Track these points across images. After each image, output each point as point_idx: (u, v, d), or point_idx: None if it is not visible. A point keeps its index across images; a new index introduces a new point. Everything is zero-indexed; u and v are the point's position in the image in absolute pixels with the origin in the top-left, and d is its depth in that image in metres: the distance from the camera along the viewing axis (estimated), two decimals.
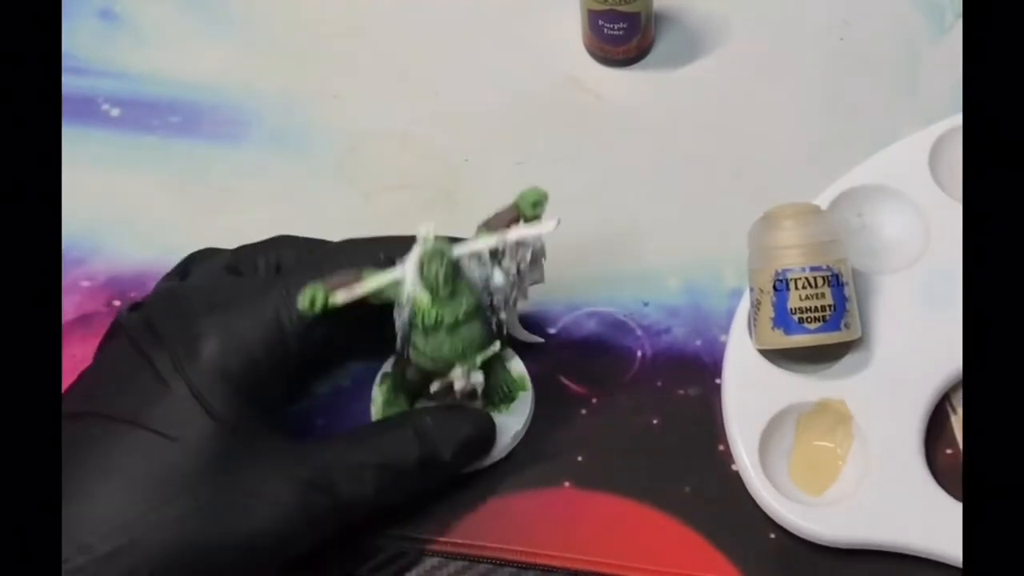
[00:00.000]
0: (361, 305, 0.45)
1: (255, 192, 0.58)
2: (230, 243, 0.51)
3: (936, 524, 0.47)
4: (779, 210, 0.51)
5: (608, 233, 0.56)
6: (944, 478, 0.49)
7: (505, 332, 0.48)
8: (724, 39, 0.62)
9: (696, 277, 0.55)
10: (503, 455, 0.50)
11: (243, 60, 0.62)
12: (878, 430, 0.49)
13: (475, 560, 0.49)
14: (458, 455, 0.48)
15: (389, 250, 0.47)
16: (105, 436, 0.42)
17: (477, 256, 0.46)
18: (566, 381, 0.53)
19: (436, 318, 0.45)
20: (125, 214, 0.58)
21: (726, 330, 0.53)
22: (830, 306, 0.49)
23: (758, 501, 0.49)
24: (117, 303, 0.55)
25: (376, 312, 0.46)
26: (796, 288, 0.49)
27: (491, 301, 0.47)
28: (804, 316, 0.49)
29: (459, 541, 0.49)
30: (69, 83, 0.61)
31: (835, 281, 0.49)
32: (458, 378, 0.47)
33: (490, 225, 0.46)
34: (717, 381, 0.52)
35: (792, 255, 0.50)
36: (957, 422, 0.51)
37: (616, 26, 0.59)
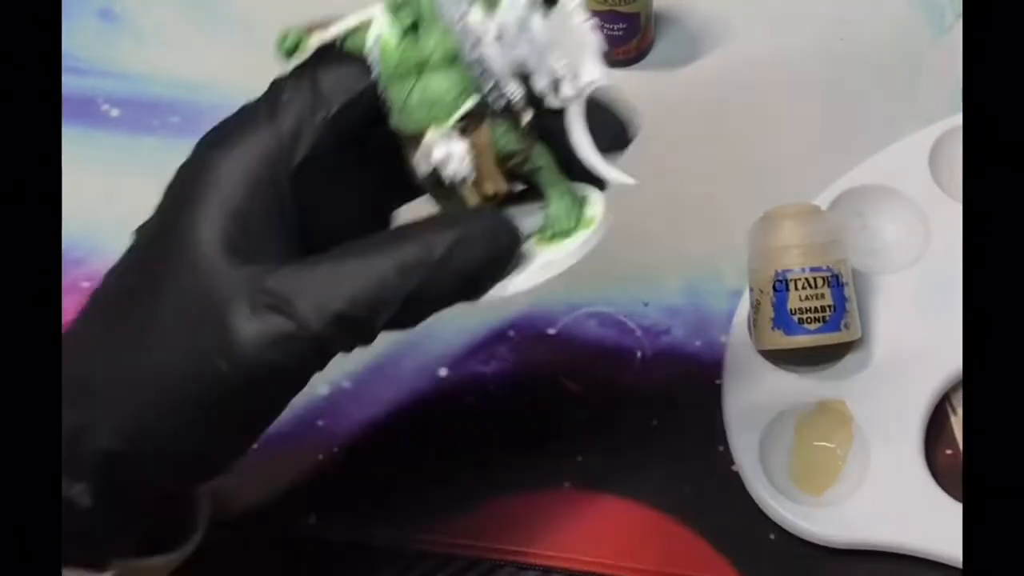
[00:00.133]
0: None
1: None
2: None
3: (936, 524, 0.47)
4: (779, 210, 0.51)
5: (608, 233, 0.56)
6: (944, 478, 0.49)
7: (526, 123, 0.39)
8: (724, 39, 0.62)
9: (696, 277, 0.55)
10: (527, 287, 0.39)
11: (243, 60, 0.62)
12: (878, 430, 0.49)
13: (475, 560, 0.49)
14: (457, 253, 0.38)
15: None
16: None
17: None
18: (566, 381, 0.53)
19: (399, 59, 0.37)
20: (125, 214, 0.58)
21: (726, 330, 0.53)
22: (830, 306, 0.49)
23: (758, 501, 0.49)
24: None
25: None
26: (796, 288, 0.49)
27: (482, 60, 0.37)
28: (804, 316, 0.49)
29: (459, 541, 0.49)
30: (69, 83, 0.61)
31: (835, 281, 0.49)
32: (435, 145, 0.37)
33: None
34: (717, 381, 0.52)
35: (792, 255, 0.50)
36: (957, 422, 0.51)
37: (616, 26, 0.59)
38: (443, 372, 0.53)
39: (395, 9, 0.37)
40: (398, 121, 0.38)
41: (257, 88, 0.40)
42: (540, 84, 0.38)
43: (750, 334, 0.51)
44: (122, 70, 0.63)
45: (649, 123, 0.60)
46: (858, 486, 0.49)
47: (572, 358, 0.53)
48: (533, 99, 0.38)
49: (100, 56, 0.63)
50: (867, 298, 0.52)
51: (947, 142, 0.55)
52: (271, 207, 0.38)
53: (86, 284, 0.56)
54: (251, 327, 0.37)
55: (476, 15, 0.37)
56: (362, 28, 0.38)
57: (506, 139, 0.38)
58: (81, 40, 0.64)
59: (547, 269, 0.39)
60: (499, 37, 0.37)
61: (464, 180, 0.38)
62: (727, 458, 0.50)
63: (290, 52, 0.39)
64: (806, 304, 0.49)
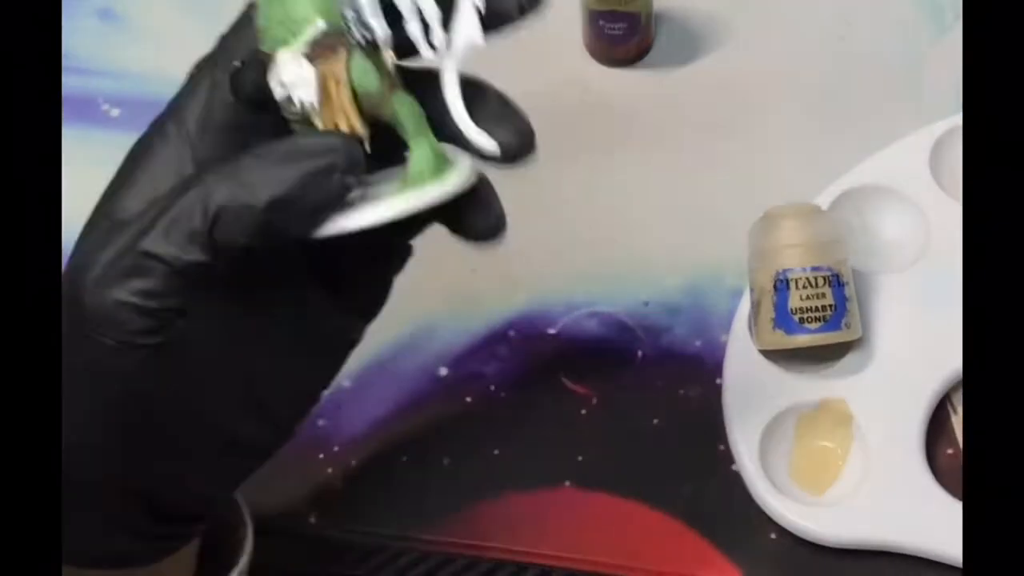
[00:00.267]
0: None
1: None
2: None
3: (936, 524, 0.47)
4: (779, 210, 0.51)
5: (608, 233, 0.56)
6: (944, 478, 0.49)
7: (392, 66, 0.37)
8: (724, 39, 0.62)
9: (696, 277, 0.55)
10: (368, 221, 0.36)
11: None
12: (878, 430, 0.49)
13: (475, 560, 0.49)
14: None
15: None
16: None
17: None
18: (566, 381, 0.53)
19: None
20: None
21: (727, 330, 0.53)
22: (830, 306, 0.49)
23: (758, 501, 0.49)
24: None
25: None
26: (797, 288, 0.49)
27: None
28: (805, 316, 0.49)
29: (459, 541, 0.49)
30: (69, 83, 0.61)
31: (835, 281, 0.49)
32: (285, 66, 0.36)
33: None
34: (718, 381, 0.52)
35: (792, 255, 0.50)
36: (957, 422, 0.51)
37: (616, 26, 0.59)
38: (443, 372, 0.53)
39: None
40: (262, 41, 0.36)
41: None
42: (410, 28, 0.36)
43: (750, 334, 0.51)
44: (122, 70, 0.63)
45: (649, 123, 0.60)
46: (858, 486, 0.49)
47: (572, 358, 0.53)
48: (403, 46, 0.37)
49: (100, 56, 0.63)
50: (867, 298, 0.52)
51: (947, 142, 0.55)
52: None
53: None
54: (103, 294, 0.36)
55: None
56: None
57: (364, 77, 0.36)
58: (81, 40, 0.64)
59: (392, 208, 0.36)
60: None
61: (313, 107, 0.36)
62: (727, 458, 0.50)
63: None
64: (807, 304, 0.49)
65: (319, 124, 0.36)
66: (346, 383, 0.52)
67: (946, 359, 0.50)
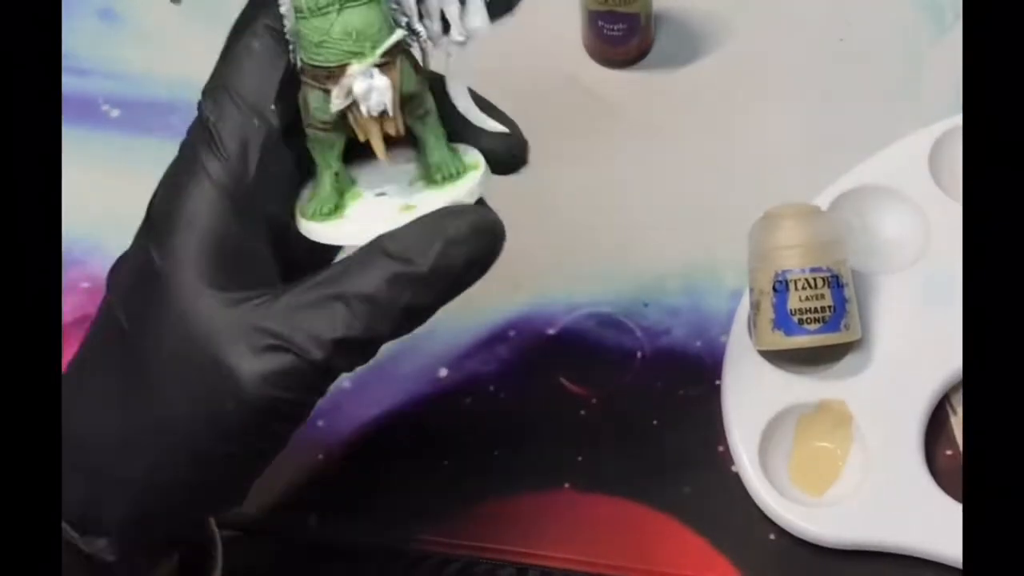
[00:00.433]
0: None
1: None
2: None
3: (936, 525, 0.47)
4: (779, 210, 0.51)
5: (608, 233, 0.56)
6: (944, 478, 0.49)
7: (425, 63, 0.39)
8: (724, 39, 0.62)
9: (696, 277, 0.55)
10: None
11: None
12: (878, 431, 0.49)
13: (475, 560, 0.49)
14: (442, 260, 0.37)
15: None
16: None
17: None
18: (566, 381, 0.53)
19: None
20: (125, 214, 0.58)
21: (726, 331, 0.53)
22: (830, 307, 0.49)
23: (758, 501, 0.49)
24: None
25: None
26: (796, 289, 0.49)
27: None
28: (804, 317, 0.49)
29: (459, 541, 0.49)
30: (69, 83, 0.61)
31: (835, 282, 0.49)
32: (357, 79, 0.37)
33: None
34: (717, 382, 0.52)
35: (792, 256, 0.50)
36: (957, 422, 0.51)
37: (616, 27, 0.59)
38: (443, 372, 0.53)
39: None
40: (314, 56, 0.38)
41: None
42: (432, 26, 0.38)
43: (750, 334, 0.51)
44: (122, 70, 0.63)
45: (649, 123, 0.60)
46: (858, 486, 0.49)
47: (572, 358, 0.53)
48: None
49: (100, 56, 0.63)
50: (867, 298, 0.52)
51: (947, 142, 0.55)
52: (241, 235, 0.39)
53: (86, 284, 0.56)
54: (254, 367, 0.37)
55: None
56: None
57: (409, 80, 0.38)
58: (81, 40, 0.64)
59: (431, 206, 0.39)
60: None
61: (384, 114, 0.37)
62: (727, 458, 0.50)
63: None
64: (806, 304, 0.49)
65: (359, 134, 0.38)
66: (346, 383, 0.52)
67: (946, 359, 0.50)
